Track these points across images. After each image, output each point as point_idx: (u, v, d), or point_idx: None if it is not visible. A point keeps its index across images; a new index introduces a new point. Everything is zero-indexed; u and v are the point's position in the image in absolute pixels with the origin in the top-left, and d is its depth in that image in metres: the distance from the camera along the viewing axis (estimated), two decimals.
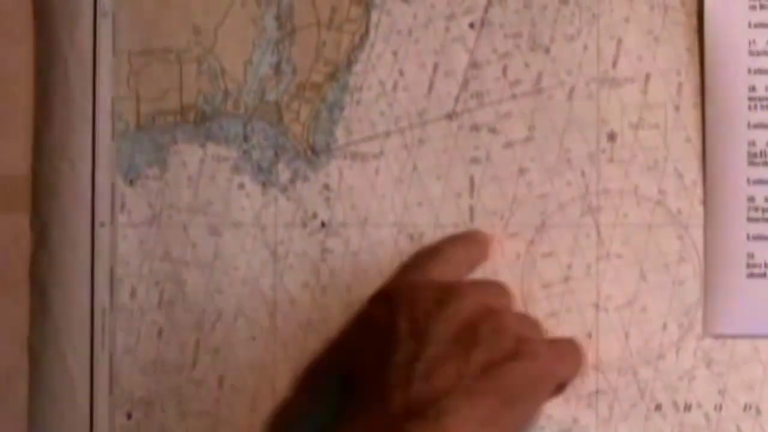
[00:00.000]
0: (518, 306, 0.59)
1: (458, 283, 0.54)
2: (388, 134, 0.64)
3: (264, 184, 0.64)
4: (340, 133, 0.64)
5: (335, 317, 0.62)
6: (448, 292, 0.52)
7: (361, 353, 0.51)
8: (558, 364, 0.54)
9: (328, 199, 0.64)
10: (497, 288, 0.56)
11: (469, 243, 0.60)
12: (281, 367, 0.64)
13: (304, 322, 0.64)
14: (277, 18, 0.63)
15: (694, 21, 0.62)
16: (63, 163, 0.64)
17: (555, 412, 0.62)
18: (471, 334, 0.50)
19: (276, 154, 0.64)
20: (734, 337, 0.62)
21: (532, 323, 0.56)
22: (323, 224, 0.64)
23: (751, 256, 0.61)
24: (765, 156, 0.62)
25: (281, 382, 0.61)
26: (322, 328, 0.63)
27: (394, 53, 0.64)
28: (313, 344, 0.59)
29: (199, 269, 0.63)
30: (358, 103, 0.64)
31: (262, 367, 0.63)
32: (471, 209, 0.63)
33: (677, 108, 0.63)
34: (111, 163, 0.64)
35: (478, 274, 0.62)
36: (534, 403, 0.52)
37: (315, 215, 0.64)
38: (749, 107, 0.61)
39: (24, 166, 0.64)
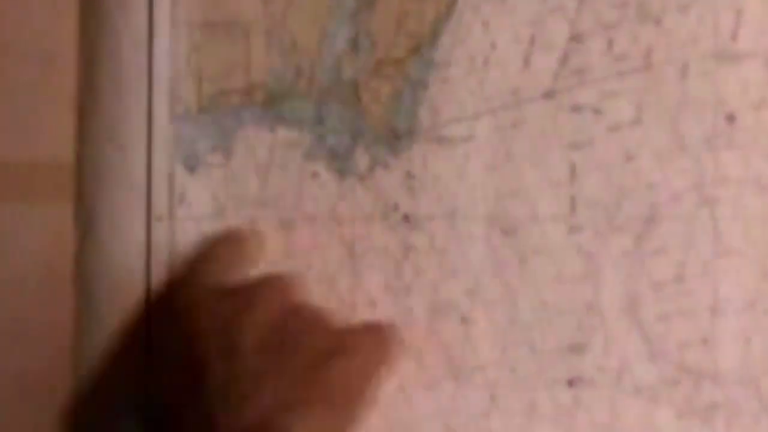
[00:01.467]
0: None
1: (249, 283, 0.51)
2: (478, 116, 0.60)
3: (340, 173, 0.61)
4: (424, 114, 0.60)
5: (420, 321, 0.60)
6: (245, 297, 0.50)
7: (168, 387, 0.49)
8: (379, 350, 0.53)
9: (411, 188, 0.60)
10: (286, 280, 0.54)
11: (233, 241, 0.58)
12: None
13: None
14: None
15: None
16: (113, 150, 0.61)
17: (666, 427, 0.58)
18: (279, 338, 0.49)
19: (353, 139, 0.61)
20: None
21: (331, 313, 0.54)
22: (406, 217, 0.60)
23: None
24: None
25: None
26: (406, 336, 0.60)
27: (485, 24, 0.60)
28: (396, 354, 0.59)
29: (268, 268, 0.60)
30: (444, 80, 0.60)
31: None
32: (572, 200, 0.60)
33: None
34: (169, 149, 0.60)
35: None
36: (365, 399, 0.51)
37: (397, 207, 0.61)
38: None
39: (68, 152, 0.61)
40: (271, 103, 0.61)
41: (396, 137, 0.61)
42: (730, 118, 0.59)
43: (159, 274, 0.61)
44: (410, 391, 0.59)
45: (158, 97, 0.61)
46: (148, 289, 0.60)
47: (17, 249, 0.63)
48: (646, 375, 0.58)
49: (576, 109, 0.60)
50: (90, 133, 0.61)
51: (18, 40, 0.62)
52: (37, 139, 0.62)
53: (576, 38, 0.60)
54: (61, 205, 0.61)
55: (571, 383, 0.58)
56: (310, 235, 0.60)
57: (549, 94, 0.60)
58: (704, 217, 0.60)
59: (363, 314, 0.60)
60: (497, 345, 0.59)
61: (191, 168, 0.62)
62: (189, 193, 0.62)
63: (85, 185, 0.61)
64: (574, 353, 0.59)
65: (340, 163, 0.61)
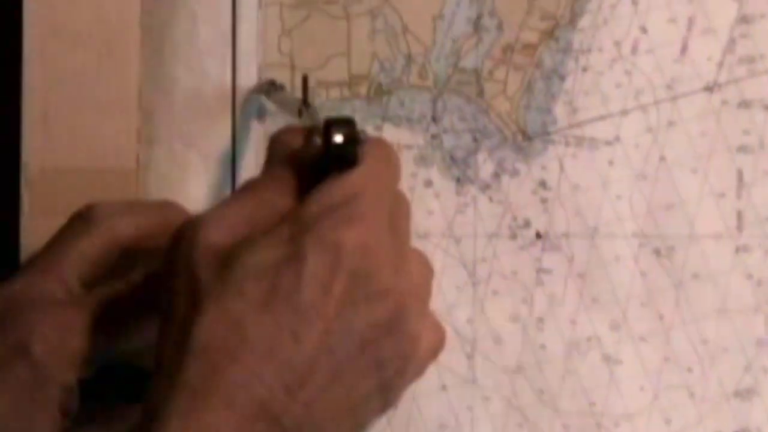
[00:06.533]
0: None
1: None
2: (625, 113, 0.57)
3: (459, 181, 0.58)
4: (560, 111, 0.58)
5: (555, 360, 0.57)
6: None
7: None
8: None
9: (544, 200, 0.58)
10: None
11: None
12: (482, 426, 0.57)
13: (512, 368, 0.57)
14: None
15: None
16: (190, 154, 0.57)
17: None
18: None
19: (475, 140, 0.58)
20: None
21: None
22: (539, 235, 0.57)
23: None
24: None
25: None
26: (537, 375, 0.57)
27: (635, 3, 0.57)
28: (526, 398, 0.57)
29: None
30: (584, 70, 0.58)
31: (457, 426, 0.57)
32: (738, 214, 0.57)
33: None
34: (258, 152, 0.57)
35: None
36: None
37: (527, 223, 0.58)
38: None
39: (131, 155, 0.57)
40: (378, 98, 0.58)
41: (527, 138, 0.58)
42: None
43: None
44: None
45: (243, 92, 0.58)
46: None
47: None
48: None
49: (744, 104, 0.57)
50: (159, 136, 0.58)
51: (75, 28, 0.58)
52: (99, 142, 0.58)
53: (744, 20, 0.58)
54: None
55: None
56: None
57: (711, 88, 0.57)
58: None
59: (486, 351, 0.57)
60: (648, 390, 0.57)
61: None
62: None
63: (153, 196, 0.58)
64: (742, 400, 0.56)
65: (458, 169, 0.58)
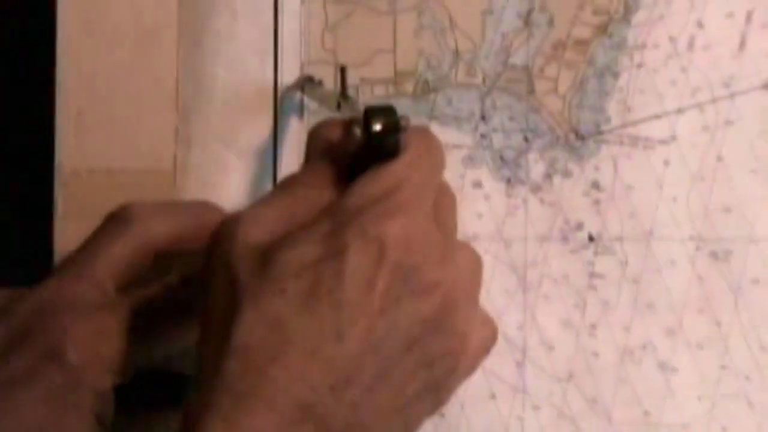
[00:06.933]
0: None
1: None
2: (681, 111, 0.57)
3: (509, 182, 0.57)
4: (614, 109, 0.57)
5: (608, 368, 0.56)
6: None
7: None
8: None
9: (597, 202, 0.57)
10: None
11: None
12: None
13: (563, 376, 0.56)
14: None
15: None
16: (229, 154, 0.56)
17: None
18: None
19: (526, 140, 0.57)
20: None
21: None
22: (591, 238, 0.57)
23: None
24: None
25: None
26: (589, 384, 0.56)
27: None
28: (577, 407, 0.55)
29: None
30: (639, 67, 0.57)
31: None
32: None
33: None
34: (298, 151, 0.56)
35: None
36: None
37: (580, 226, 0.57)
38: None
39: (169, 156, 0.56)
40: (424, 96, 0.58)
41: (579, 138, 0.57)
42: None
43: None
44: None
45: (286, 88, 0.57)
46: None
47: None
48: None
49: None
50: (198, 136, 0.57)
51: (110, 24, 0.57)
52: (134, 142, 0.57)
53: None
54: None
55: None
56: None
57: None
58: None
59: (537, 359, 0.56)
60: (705, 398, 0.56)
61: None
62: None
63: (188, 195, 0.57)
64: None
65: (509, 170, 0.58)
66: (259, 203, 0.46)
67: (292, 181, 0.47)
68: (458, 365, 0.45)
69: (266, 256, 0.43)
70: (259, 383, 0.42)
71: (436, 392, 0.45)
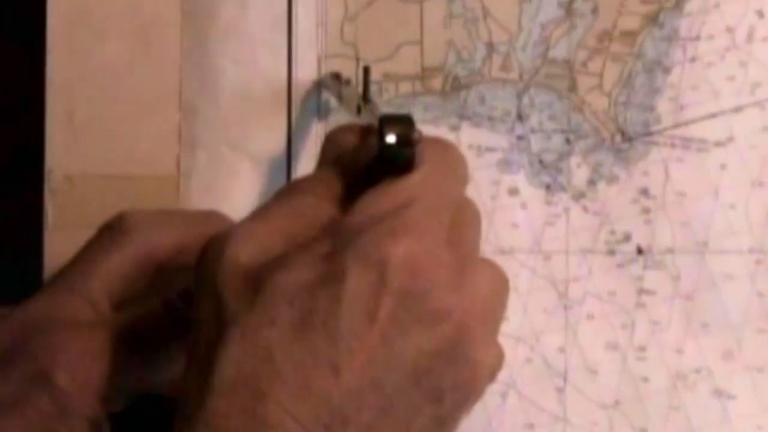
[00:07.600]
0: None
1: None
2: (739, 109, 0.56)
3: (548, 189, 0.57)
4: (664, 107, 0.56)
5: (659, 395, 0.55)
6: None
7: None
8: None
9: (646, 210, 0.56)
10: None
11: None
12: None
13: (610, 404, 0.55)
14: None
15: None
16: (238, 159, 0.55)
17: None
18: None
19: (567, 142, 0.56)
20: None
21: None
22: (640, 251, 0.56)
23: None
24: None
25: None
26: (638, 412, 0.55)
27: None
28: None
29: None
30: (692, 60, 0.56)
31: None
32: None
33: None
34: (316, 154, 0.52)
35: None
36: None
37: (628, 237, 0.56)
38: None
39: (172, 161, 0.56)
40: (454, 93, 0.57)
41: (626, 140, 0.57)
42: None
43: None
44: None
45: (300, 86, 0.56)
46: None
47: None
48: None
49: None
50: (201, 137, 0.56)
51: (105, 15, 0.56)
52: (133, 146, 0.57)
53: None
54: None
55: None
56: (506, 272, 0.51)
57: None
58: None
59: (579, 384, 0.55)
60: (765, 428, 0.55)
61: None
62: None
63: (193, 203, 0.56)
64: None
65: (548, 175, 0.57)
66: (253, 217, 0.45)
67: (293, 189, 0.45)
68: (471, 396, 0.44)
69: (257, 279, 0.42)
70: (245, 423, 0.40)
71: (444, 427, 0.44)
